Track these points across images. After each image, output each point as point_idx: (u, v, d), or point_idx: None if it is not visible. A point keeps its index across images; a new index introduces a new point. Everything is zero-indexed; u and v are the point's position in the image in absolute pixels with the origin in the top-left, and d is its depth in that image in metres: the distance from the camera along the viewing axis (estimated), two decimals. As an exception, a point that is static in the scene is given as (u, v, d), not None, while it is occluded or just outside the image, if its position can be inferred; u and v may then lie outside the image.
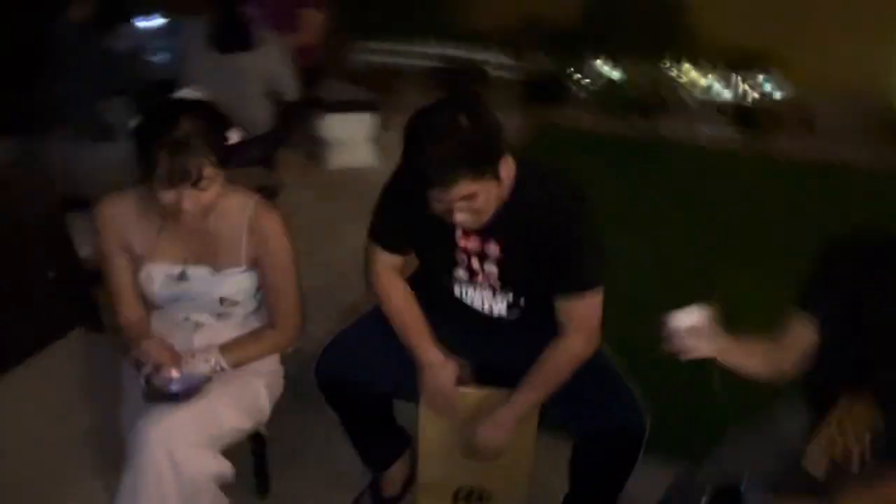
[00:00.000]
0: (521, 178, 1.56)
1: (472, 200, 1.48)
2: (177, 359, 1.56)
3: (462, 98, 1.62)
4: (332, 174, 4.25)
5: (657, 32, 5.55)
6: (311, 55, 3.89)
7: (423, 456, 1.85)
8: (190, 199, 1.51)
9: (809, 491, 1.31)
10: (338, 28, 4.41)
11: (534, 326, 1.70)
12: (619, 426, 1.63)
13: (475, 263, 1.69)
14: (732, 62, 5.55)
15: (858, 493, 1.27)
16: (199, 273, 1.67)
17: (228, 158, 1.56)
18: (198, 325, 1.71)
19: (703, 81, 5.64)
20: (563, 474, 1.80)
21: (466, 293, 1.76)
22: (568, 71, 5.67)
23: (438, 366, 1.71)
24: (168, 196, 1.51)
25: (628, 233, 3.41)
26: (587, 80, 5.70)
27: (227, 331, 1.73)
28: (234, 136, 1.58)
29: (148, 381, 1.51)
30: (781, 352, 1.45)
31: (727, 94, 5.60)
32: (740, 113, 5.45)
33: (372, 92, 4.46)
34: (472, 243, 1.67)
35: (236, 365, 1.65)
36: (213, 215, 1.60)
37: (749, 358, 1.44)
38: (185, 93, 1.61)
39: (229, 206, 1.62)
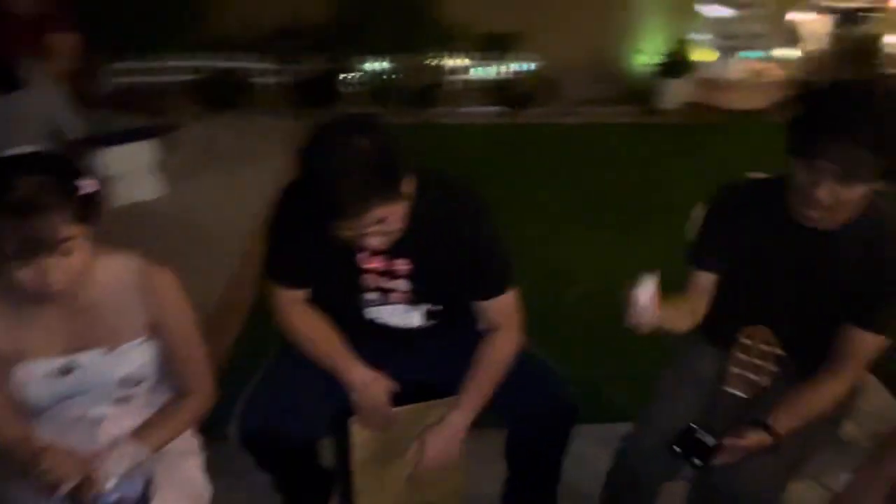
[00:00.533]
0: (420, 189, 1.52)
1: (384, 223, 1.43)
2: (88, 467, 1.28)
3: (354, 118, 1.53)
4: (116, 213, 3.82)
5: (414, 26, 5.76)
6: (74, 83, 3.45)
7: (360, 482, 1.76)
8: (55, 272, 1.24)
9: (738, 416, 1.49)
10: (87, 51, 3.94)
11: (451, 330, 1.71)
12: (549, 405, 1.69)
13: (384, 283, 1.64)
14: (487, 46, 5.95)
15: (787, 407, 1.47)
16: (88, 359, 1.40)
17: (90, 212, 1.32)
18: (95, 421, 1.42)
19: (463, 66, 5.98)
20: (487, 464, 1.83)
21: (380, 313, 1.69)
22: (335, 70, 5.66)
23: (370, 383, 1.64)
24: (26, 274, 1.23)
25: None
26: (356, 77, 5.74)
27: (132, 416, 1.47)
28: (88, 186, 1.33)
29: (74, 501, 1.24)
30: (694, 304, 1.61)
31: (486, 75, 6.00)
32: (500, 91, 5.88)
33: (138, 116, 4.10)
34: (377, 263, 1.61)
35: (157, 449, 1.41)
36: (90, 285, 1.34)
37: (680, 318, 1.57)
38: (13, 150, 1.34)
39: (109, 270, 1.37)
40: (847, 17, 6.01)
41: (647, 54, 5.95)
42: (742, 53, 5.89)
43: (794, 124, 1.40)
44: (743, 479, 1.44)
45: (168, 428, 1.44)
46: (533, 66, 5.92)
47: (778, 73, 5.92)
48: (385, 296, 1.66)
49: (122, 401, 1.44)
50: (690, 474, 1.58)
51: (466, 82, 6.00)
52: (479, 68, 6.00)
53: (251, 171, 4.14)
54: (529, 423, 1.71)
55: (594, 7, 5.93)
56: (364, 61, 5.77)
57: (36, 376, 1.35)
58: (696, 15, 5.94)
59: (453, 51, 5.92)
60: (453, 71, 5.96)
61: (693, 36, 5.85)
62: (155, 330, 1.42)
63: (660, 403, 1.63)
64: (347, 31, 5.70)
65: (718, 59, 5.80)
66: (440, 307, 1.70)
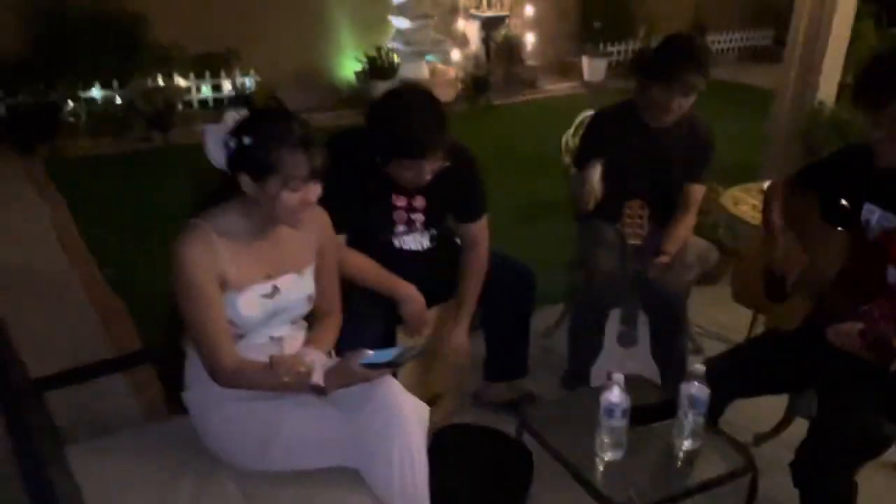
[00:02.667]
0: None
1: (437, 163, 1.97)
2: (305, 363, 1.55)
3: (415, 85, 2.03)
4: None
5: (129, 51, 5.69)
6: None
7: (406, 380, 2.22)
8: (316, 191, 1.55)
9: (641, 253, 2.33)
10: None
11: (441, 251, 2.27)
12: (512, 274, 2.32)
13: (409, 216, 2.15)
14: (205, 65, 6.14)
15: (667, 238, 2.35)
16: (287, 282, 1.63)
17: None
18: (278, 341, 1.66)
19: (188, 87, 6.08)
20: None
21: (404, 241, 2.19)
22: (52, 102, 5.33)
23: (416, 295, 2.12)
24: (293, 198, 1.51)
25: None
26: (77, 107, 5.49)
27: (301, 334, 1.74)
28: None
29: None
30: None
31: (215, 92, 6.19)
32: (232, 105, 6.12)
33: None
34: (401, 202, 2.13)
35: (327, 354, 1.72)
36: None
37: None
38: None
39: None
40: (492, 23, 7.59)
41: (352, 62, 6.77)
42: (427, 56, 7.06)
43: (653, 62, 2.30)
44: (666, 278, 2.31)
45: (329, 340, 1.76)
46: (253, 81, 6.27)
47: (453, 71, 7.22)
48: (409, 226, 2.17)
49: (295, 322, 1.73)
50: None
51: (196, 102, 6.13)
52: (204, 87, 6.17)
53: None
54: (499, 292, 2.29)
55: (300, 22, 6.57)
56: (85, 89, 5.53)
57: (255, 299, 1.58)
58: (389, 25, 6.93)
59: (173, 72, 5.99)
60: (180, 92, 6.03)
61: (390, 44, 6.82)
62: (319, 256, 1.74)
63: (598, 256, 2.41)
64: (60, 61, 5.41)
65: (411, 62, 6.86)
66: (436, 232, 2.26)
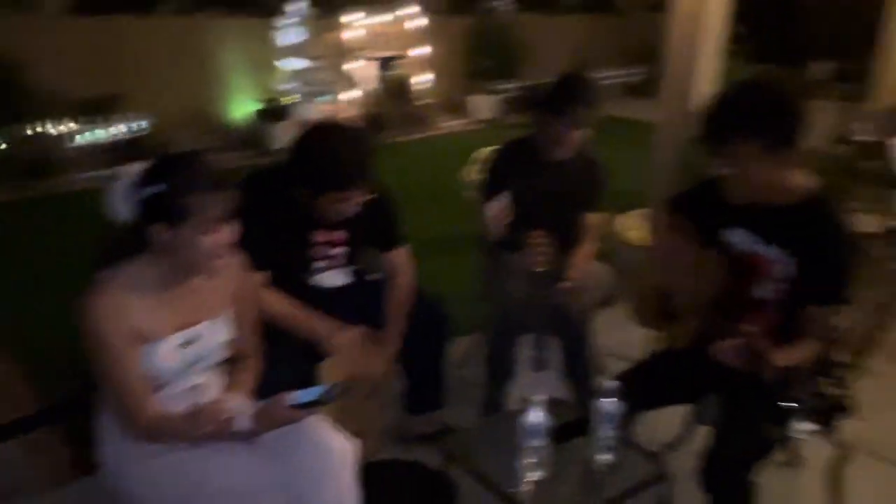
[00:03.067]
0: None
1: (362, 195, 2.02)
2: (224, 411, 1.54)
3: (336, 122, 2.06)
4: None
5: (4, 96, 5.42)
6: None
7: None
8: (230, 234, 1.54)
9: (545, 281, 2.44)
10: None
11: (360, 287, 2.31)
12: (428, 315, 2.39)
13: (329, 251, 2.17)
14: (88, 110, 5.92)
15: (572, 266, 2.48)
16: (203, 329, 1.60)
17: None
18: (200, 388, 1.62)
19: (69, 132, 5.82)
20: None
21: (324, 279, 2.20)
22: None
23: (336, 329, 2.13)
24: (209, 241, 1.49)
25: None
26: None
27: (219, 381, 1.71)
28: None
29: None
30: None
31: (96, 139, 5.96)
32: (116, 152, 5.94)
33: None
34: (322, 236, 2.15)
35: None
36: None
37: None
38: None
39: None
40: (384, 63, 7.74)
41: (245, 104, 6.71)
42: (319, 98, 7.10)
43: (548, 98, 2.45)
44: (569, 305, 2.43)
45: (249, 384, 1.75)
46: (143, 124, 6.10)
47: (346, 111, 7.29)
48: (328, 262, 2.19)
49: (213, 369, 1.69)
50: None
51: (79, 148, 5.88)
52: (87, 133, 5.93)
53: None
54: (415, 325, 2.32)
55: (190, 64, 6.51)
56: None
57: (171, 350, 1.54)
58: (282, 67, 6.93)
59: (53, 118, 5.73)
60: (60, 138, 5.77)
61: (283, 85, 6.82)
62: (235, 300, 1.71)
63: (507, 285, 2.50)
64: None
65: (303, 103, 6.88)
66: (356, 267, 2.29)
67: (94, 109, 5.95)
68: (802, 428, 1.86)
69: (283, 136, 6.60)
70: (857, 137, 5.04)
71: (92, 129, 5.94)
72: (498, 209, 2.35)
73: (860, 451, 2.10)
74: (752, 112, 1.70)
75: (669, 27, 3.78)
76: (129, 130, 6.04)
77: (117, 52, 6.13)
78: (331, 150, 1.94)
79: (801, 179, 1.81)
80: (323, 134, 1.99)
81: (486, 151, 2.85)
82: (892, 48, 5.18)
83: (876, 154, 3.69)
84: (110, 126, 6.01)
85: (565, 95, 2.41)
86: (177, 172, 1.49)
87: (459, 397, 2.65)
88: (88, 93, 5.92)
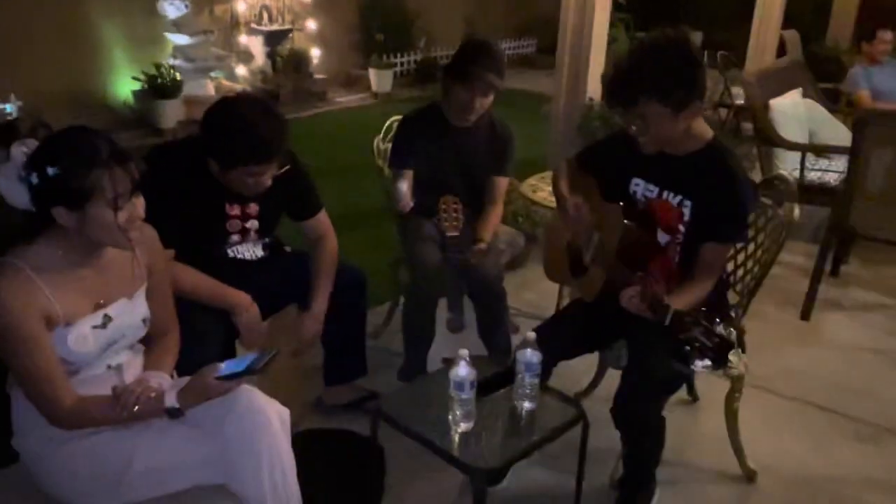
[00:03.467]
0: None
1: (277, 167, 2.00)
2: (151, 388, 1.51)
3: (250, 93, 1.99)
4: None
5: None
6: None
7: None
8: (142, 203, 1.47)
9: (459, 244, 2.50)
10: None
11: (274, 258, 2.29)
12: (346, 284, 2.40)
13: (243, 224, 2.14)
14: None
15: (481, 229, 2.56)
16: (118, 308, 1.53)
17: None
18: (120, 367, 1.56)
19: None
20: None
21: (238, 251, 2.17)
22: None
23: (249, 303, 2.11)
24: (122, 217, 1.43)
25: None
26: None
27: (140, 357, 1.65)
28: None
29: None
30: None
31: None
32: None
33: None
34: (235, 210, 2.12)
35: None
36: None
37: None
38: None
39: None
40: (275, 37, 7.54)
41: (129, 81, 6.37)
42: (213, 73, 6.85)
43: (454, 65, 2.50)
44: (484, 264, 2.51)
45: (170, 361, 1.71)
46: (13, 106, 5.66)
47: (239, 86, 7.07)
48: (243, 235, 2.16)
49: (132, 347, 1.64)
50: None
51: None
52: (-48, 115, 5.47)
53: None
54: (334, 295, 2.31)
55: (65, 40, 6.10)
56: None
57: (86, 332, 1.48)
58: (168, 42, 6.61)
59: None
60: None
61: (170, 61, 6.51)
62: (149, 275, 1.66)
63: (422, 249, 2.55)
64: None
65: (195, 79, 6.60)
66: (270, 240, 2.27)
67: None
68: (701, 364, 2.05)
69: (172, 114, 6.34)
70: (737, 101, 5.42)
71: (-45, 112, 5.48)
72: (399, 189, 2.41)
73: (748, 385, 2.31)
74: (657, 73, 1.80)
75: (563, 0, 3.92)
76: (0, 113, 5.59)
77: (-18, 28, 5.66)
78: (245, 124, 1.91)
79: (700, 129, 1.95)
80: (235, 107, 1.95)
81: (395, 120, 2.87)
82: (766, 18, 5.56)
83: (753, 116, 3.98)
84: (-24, 107, 5.55)
85: (472, 62, 2.47)
86: (68, 152, 1.41)
87: (378, 365, 2.69)
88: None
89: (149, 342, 1.73)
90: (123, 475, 1.50)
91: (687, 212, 1.96)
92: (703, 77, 1.84)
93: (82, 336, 1.49)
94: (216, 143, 1.95)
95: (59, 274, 1.47)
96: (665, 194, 1.99)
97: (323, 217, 2.34)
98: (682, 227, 1.98)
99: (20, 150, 1.44)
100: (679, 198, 1.97)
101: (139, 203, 1.50)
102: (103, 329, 1.52)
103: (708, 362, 2.09)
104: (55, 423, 1.47)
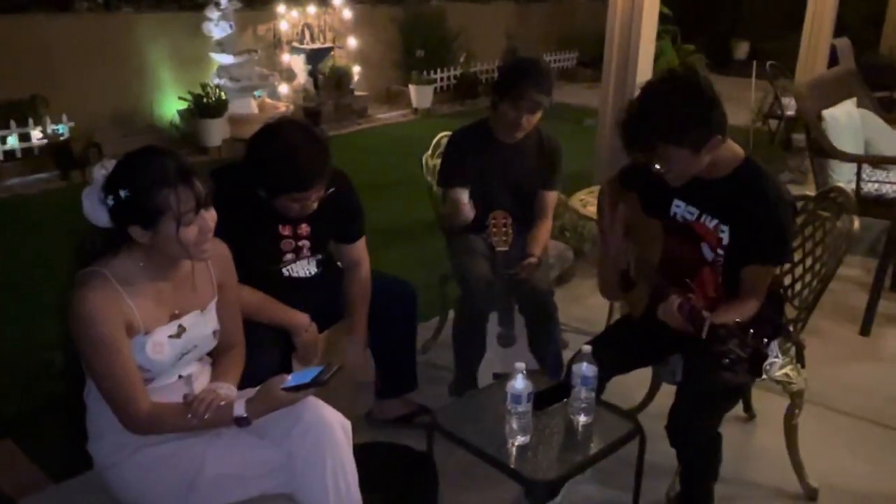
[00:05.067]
0: None
1: (321, 192, 2.03)
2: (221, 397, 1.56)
3: (294, 119, 2.04)
4: None
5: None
6: None
7: None
8: (212, 216, 1.52)
9: (508, 259, 2.51)
10: None
11: (327, 275, 2.32)
12: (395, 298, 2.42)
13: (296, 244, 2.18)
14: (11, 114, 5.66)
15: (531, 244, 2.56)
16: (192, 320, 1.59)
17: None
18: (190, 377, 1.62)
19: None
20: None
21: (293, 269, 2.21)
22: None
23: (309, 324, 2.15)
24: (189, 231, 1.48)
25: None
26: None
27: (208, 369, 1.70)
28: None
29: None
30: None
31: (17, 142, 5.71)
32: (45, 157, 5.72)
33: None
34: (287, 230, 2.16)
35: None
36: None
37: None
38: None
39: None
40: (317, 56, 7.67)
41: (175, 101, 6.54)
42: (257, 92, 6.99)
43: (502, 83, 2.51)
44: (534, 278, 2.51)
45: (236, 373, 1.75)
46: (65, 127, 5.85)
47: (283, 104, 7.21)
48: (297, 254, 2.20)
49: (201, 359, 1.69)
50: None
51: (1, 154, 5.62)
52: (10, 137, 5.67)
53: None
54: (384, 309, 2.35)
55: (112, 62, 6.31)
56: None
57: (163, 341, 1.53)
58: (212, 62, 6.77)
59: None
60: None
61: (215, 80, 6.67)
62: (220, 289, 1.71)
63: (471, 264, 2.56)
64: None
65: (239, 98, 6.75)
66: (322, 257, 2.30)
67: (13, 114, 5.67)
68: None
69: (218, 132, 6.48)
70: (788, 112, 5.31)
71: (12, 134, 5.67)
72: (466, 201, 2.43)
73: (806, 401, 2.25)
74: (667, 119, 1.78)
75: (609, 13, 3.91)
76: (52, 134, 5.77)
77: (36, 52, 5.87)
78: (285, 152, 1.94)
79: (731, 153, 1.92)
80: (276, 134, 1.98)
81: (443, 136, 2.89)
82: (817, 27, 5.47)
83: (805, 127, 3.90)
84: (31, 130, 5.74)
85: (519, 80, 2.48)
86: (138, 173, 1.47)
87: (427, 380, 2.70)
88: (6, 96, 5.66)
89: (216, 355, 1.78)
90: (194, 482, 1.54)
91: (725, 236, 1.93)
92: (718, 112, 1.81)
93: (159, 344, 1.54)
94: (259, 171, 2.00)
95: (139, 285, 1.53)
96: (703, 217, 1.96)
97: (363, 244, 2.36)
98: (720, 251, 1.95)
99: (100, 173, 1.51)
100: (716, 222, 1.94)
101: (209, 217, 1.54)
102: (178, 339, 1.58)
103: (774, 371, 2.07)
104: (130, 428, 1.51)
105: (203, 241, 1.54)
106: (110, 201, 1.46)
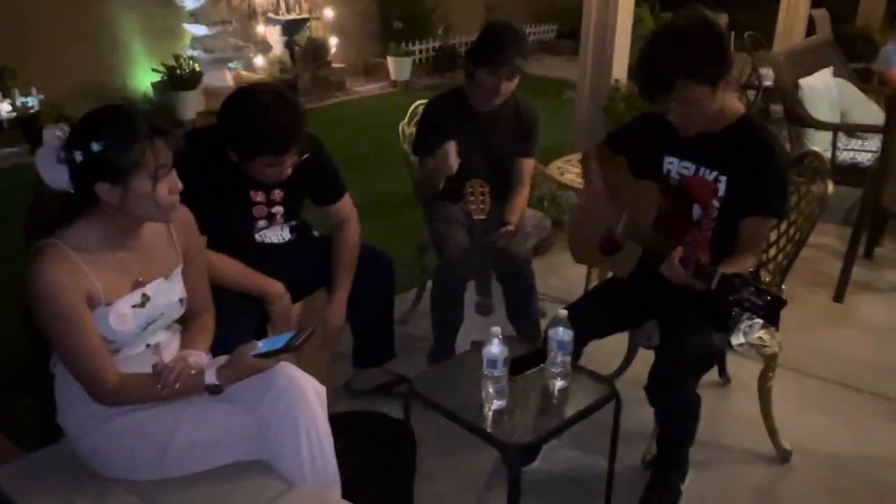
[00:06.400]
0: None
1: (295, 157, 1.99)
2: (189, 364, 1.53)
3: (269, 84, 2.01)
4: None
5: None
6: None
7: None
8: (176, 180, 1.49)
9: (486, 226, 2.49)
10: None
11: (302, 241, 2.29)
12: (373, 267, 2.39)
13: (269, 210, 2.14)
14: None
15: (509, 211, 2.56)
16: (156, 287, 1.54)
17: None
18: (158, 346, 1.58)
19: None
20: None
21: (265, 235, 2.17)
22: None
23: (283, 292, 2.12)
24: (162, 187, 1.45)
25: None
26: None
27: (177, 336, 1.67)
28: None
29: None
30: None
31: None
32: (14, 129, 5.59)
33: None
34: (259, 196, 2.12)
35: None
36: (145, 226, 1.55)
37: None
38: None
39: None
40: (293, 27, 7.54)
41: (148, 73, 6.40)
42: (232, 64, 6.87)
43: (478, 50, 2.47)
44: (512, 246, 2.50)
45: (206, 340, 1.72)
46: (35, 100, 5.71)
47: (258, 76, 7.09)
48: (270, 220, 2.16)
49: (169, 327, 1.65)
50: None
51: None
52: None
53: None
54: (363, 278, 2.33)
55: (83, 34, 6.13)
56: None
57: (127, 311, 1.49)
58: (186, 33, 6.63)
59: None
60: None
61: (189, 52, 6.53)
62: (185, 255, 1.67)
63: (449, 233, 2.54)
64: None
65: (213, 69, 6.63)
66: (295, 223, 2.27)
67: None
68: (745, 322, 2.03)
69: (192, 105, 6.37)
70: (766, 83, 5.32)
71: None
72: (447, 152, 2.39)
73: (781, 366, 2.28)
74: (688, 54, 1.79)
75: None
76: (22, 106, 5.62)
77: (4, 23, 5.71)
78: (261, 115, 1.89)
79: (734, 105, 1.94)
80: (251, 98, 1.93)
81: (420, 104, 2.86)
82: (795, 1, 5.47)
83: (782, 97, 3.91)
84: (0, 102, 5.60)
85: (496, 46, 2.44)
86: (108, 127, 1.42)
87: (406, 350, 2.69)
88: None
89: (185, 322, 1.74)
90: (166, 450, 1.52)
91: (721, 187, 1.94)
92: (729, 48, 1.84)
93: (122, 315, 1.50)
94: (233, 134, 1.95)
95: (98, 254, 1.48)
96: (701, 171, 1.97)
97: (346, 203, 2.32)
98: (716, 203, 1.96)
99: (54, 133, 1.46)
100: (714, 174, 1.95)
101: (176, 176, 1.50)
102: (142, 308, 1.54)
103: (742, 339, 2.09)
104: (99, 401, 1.48)
105: (174, 201, 1.50)
106: (78, 156, 1.41)
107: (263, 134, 1.90)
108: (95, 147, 1.40)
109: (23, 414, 1.62)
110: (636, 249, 2.01)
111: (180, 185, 1.51)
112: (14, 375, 1.93)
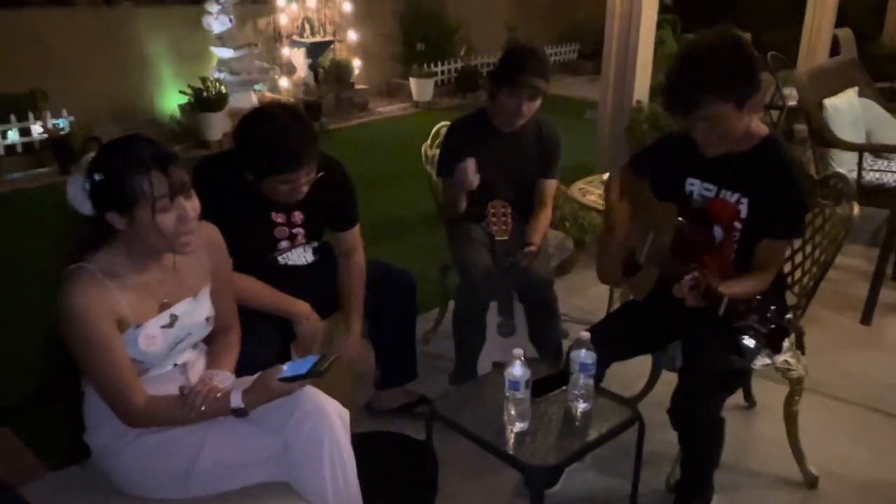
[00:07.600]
0: None
1: (311, 176, 2.01)
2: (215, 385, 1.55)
3: (278, 102, 2.03)
4: None
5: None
6: None
7: None
8: (192, 205, 1.49)
9: (508, 247, 2.50)
10: None
11: (324, 263, 2.31)
12: (396, 288, 2.41)
13: (290, 231, 2.17)
14: (11, 108, 5.65)
15: (531, 232, 2.56)
16: (184, 308, 1.57)
17: None
18: (185, 365, 1.61)
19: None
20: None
21: (288, 257, 2.20)
22: None
23: (311, 313, 2.15)
24: (168, 218, 1.45)
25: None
26: None
27: (203, 355, 1.69)
28: None
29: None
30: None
31: (15, 136, 5.71)
32: (47, 148, 5.72)
33: None
34: (280, 218, 2.15)
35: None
36: None
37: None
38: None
39: None
40: (317, 49, 7.65)
41: (175, 95, 6.52)
42: (257, 86, 6.98)
43: (500, 71, 2.50)
44: (534, 267, 2.50)
45: (232, 358, 1.74)
46: (65, 122, 5.84)
47: (283, 98, 7.19)
48: (292, 241, 2.19)
49: (196, 346, 1.68)
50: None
51: (2, 148, 5.62)
52: (10, 132, 5.67)
53: None
54: (384, 299, 2.36)
55: (112, 57, 6.29)
56: None
57: (154, 332, 1.52)
58: (212, 56, 6.76)
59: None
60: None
61: (215, 74, 6.65)
62: (213, 274, 1.70)
63: (471, 254, 2.55)
64: None
65: (239, 91, 6.74)
66: (318, 244, 2.30)
67: (13, 108, 5.66)
68: (753, 349, 1.99)
69: (218, 126, 6.47)
70: (790, 102, 5.29)
71: (12, 129, 5.66)
72: (467, 168, 2.40)
73: (807, 389, 2.24)
74: (715, 72, 1.78)
75: (609, 3, 3.90)
76: (53, 128, 5.76)
77: (36, 47, 5.87)
78: (269, 132, 1.92)
79: (757, 125, 1.94)
80: (260, 117, 1.97)
81: (442, 126, 2.88)
82: (819, 17, 5.45)
83: (806, 117, 3.88)
84: (32, 125, 5.73)
85: (517, 67, 2.46)
86: (113, 158, 1.45)
87: (428, 371, 2.70)
88: (5, 91, 5.65)
89: (211, 338, 1.77)
90: (190, 470, 1.53)
91: (744, 209, 1.93)
92: (759, 68, 1.83)
93: (152, 336, 1.52)
94: (247, 153, 1.98)
95: (125, 277, 1.51)
96: (722, 193, 1.97)
97: (357, 231, 2.34)
98: (738, 225, 1.95)
99: (86, 158, 1.50)
100: (737, 195, 1.94)
101: (189, 206, 1.51)
102: (171, 328, 1.56)
103: (766, 360, 2.07)
104: (127, 422, 1.50)
105: (184, 232, 1.50)
106: (88, 185, 1.45)
107: (277, 150, 1.93)
108: (97, 178, 1.44)
109: (51, 432, 1.64)
110: (654, 272, 2.00)
111: (192, 214, 1.51)
112: (45, 393, 1.97)
